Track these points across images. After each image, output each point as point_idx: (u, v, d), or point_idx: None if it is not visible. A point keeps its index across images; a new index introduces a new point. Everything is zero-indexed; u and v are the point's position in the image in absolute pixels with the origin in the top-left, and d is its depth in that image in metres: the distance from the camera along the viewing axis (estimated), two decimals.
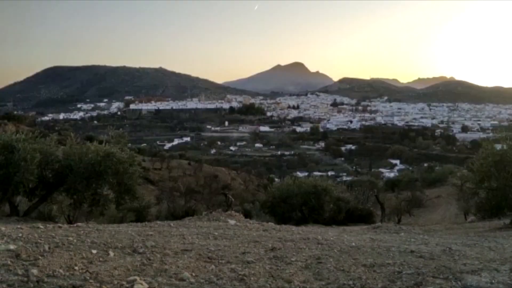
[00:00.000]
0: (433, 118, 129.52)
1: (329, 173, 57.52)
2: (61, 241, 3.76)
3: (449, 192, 21.07)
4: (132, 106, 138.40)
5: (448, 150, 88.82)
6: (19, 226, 4.63)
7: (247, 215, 10.28)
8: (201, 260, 3.47)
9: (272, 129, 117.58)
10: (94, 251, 3.46)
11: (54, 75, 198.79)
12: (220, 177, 36.34)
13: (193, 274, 3.02)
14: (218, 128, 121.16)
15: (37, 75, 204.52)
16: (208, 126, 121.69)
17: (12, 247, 3.33)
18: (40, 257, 3.15)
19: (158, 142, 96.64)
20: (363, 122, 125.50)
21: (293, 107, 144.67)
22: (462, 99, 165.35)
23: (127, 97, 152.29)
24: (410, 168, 57.21)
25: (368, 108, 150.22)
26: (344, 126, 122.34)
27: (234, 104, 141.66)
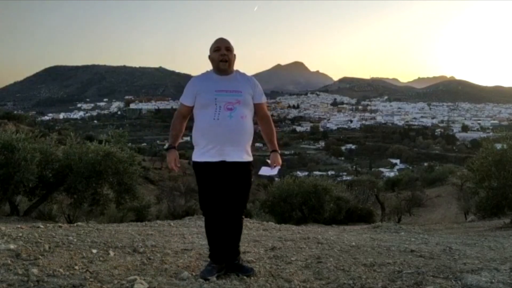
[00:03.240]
0: (433, 118, 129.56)
1: (329, 173, 57.42)
2: (61, 241, 3.76)
3: (449, 191, 21.08)
4: (132, 106, 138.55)
5: (448, 149, 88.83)
6: (19, 226, 4.63)
7: (247, 214, 10.28)
8: (201, 259, 3.48)
9: None
10: (94, 251, 3.47)
11: (54, 75, 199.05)
12: None
13: (193, 273, 3.02)
14: None
15: (37, 75, 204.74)
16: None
17: (12, 246, 3.33)
18: (40, 256, 3.15)
19: (158, 142, 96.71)
20: (363, 122, 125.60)
21: (293, 107, 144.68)
22: (462, 98, 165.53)
23: (127, 97, 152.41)
24: (410, 167, 57.14)
25: (368, 107, 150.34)
26: (344, 126, 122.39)
27: None
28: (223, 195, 2.99)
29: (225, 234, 3.06)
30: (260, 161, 3.21)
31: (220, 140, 2.90)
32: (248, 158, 3.00)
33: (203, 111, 2.96)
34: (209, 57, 3.04)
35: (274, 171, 3.11)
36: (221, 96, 2.92)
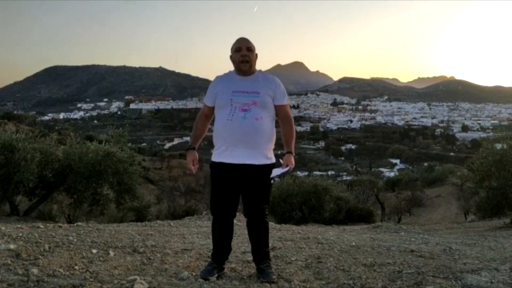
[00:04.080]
0: (433, 118, 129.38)
1: (329, 173, 57.33)
2: (61, 241, 3.76)
3: (449, 191, 21.08)
4: (132, 106, 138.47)
5: (448, 149, 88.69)
6: (19, 226, 4.63)
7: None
8: (201, 259, 3.48)
9: None
10: (94, 251, 3.47)
11: (54, 75, 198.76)
12: None
13: (193, 273, 3.02)
14: None
15: (37, 75, 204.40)
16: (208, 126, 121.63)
17: (12, 246, 3.33)
18: (40, 256, 3.15)
19: (158, 142, 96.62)
20: (363, 122, 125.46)
21: (293, 107, 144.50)
22: (462, 98, 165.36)
23: (127, 97, 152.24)
24: (410, 167, 57.14)
25: (368, 107, 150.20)
26: (344, 126, 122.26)
27: None
28: (236, 196, 2.97)
29: (230, 235, 3.06)
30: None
31: (232, 141, 2.87)
32: (266, 161, 2.93)
33: (220, 112, 2.95)
34: (230, 57, 3.01)
35: (285, 169, 3.03)
36: (237, 97, 2.89)
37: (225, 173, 2.91)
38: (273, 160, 3.00)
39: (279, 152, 3.08)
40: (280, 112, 3.04)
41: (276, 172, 3.10)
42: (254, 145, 2.88)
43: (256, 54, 3.00)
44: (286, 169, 3.02)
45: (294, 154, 3.07)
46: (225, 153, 2.90)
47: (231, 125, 2.86)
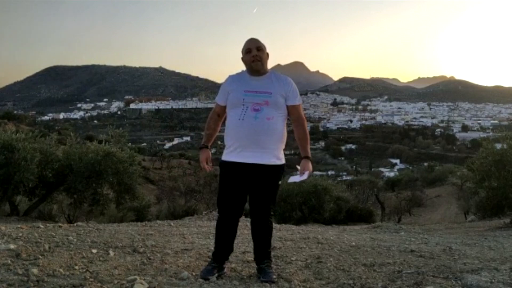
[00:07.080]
0: (433, 118, 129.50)
1: (329, 173, 57.34)
2: (61, 241, 3.76)
3: (449, 191, 21.09)
4: (132, 106, 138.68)
5: (448, 149, 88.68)
6: (19, 226, 4.62)
7: (247, 214, 10.25)
8: (201, 259, 3.48)
9: None
10: (94, 251, 3.46)
11: (54, 75, 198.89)
12: None
13: (193, 273, 3.02)
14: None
15: (37, 75, 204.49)
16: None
17: (12, 246, 3.33)
18: (40, 256, 3.15)
19: (158, 142, 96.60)
20: (363, 122, 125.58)
21: None
22: (462, 98, 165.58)
23: (127, 97, 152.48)
24: (410, 167, 57.11)
25: (368, 107, 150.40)
26: (344, 126, 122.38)
27: None
28: (243, 196, 2.96)
29: (234, 234, 3.06)
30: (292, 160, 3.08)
31: (243, 141, 2.87)
32: (276, 161, 2.92)
33: (232, 111, 2.95)
34: (242, 59, 3.01)
35: (303, 177, 2.97)
36: (249, 97, 2.89)
37: (235, 172, 2.91)
38: (283, 160, 2.99)
39: (294, 152, 3.06)
40: (292, 113, 3.01)
41: (294, 179, 3.04)
42: (264, 145, 2.87)
43: (268, 53, 3.00)
44: (305, 176, 2.95)
45: (311, 158, 3.01)
46: (235, 152, 2.90)
47: (242, 125, 2.86)
